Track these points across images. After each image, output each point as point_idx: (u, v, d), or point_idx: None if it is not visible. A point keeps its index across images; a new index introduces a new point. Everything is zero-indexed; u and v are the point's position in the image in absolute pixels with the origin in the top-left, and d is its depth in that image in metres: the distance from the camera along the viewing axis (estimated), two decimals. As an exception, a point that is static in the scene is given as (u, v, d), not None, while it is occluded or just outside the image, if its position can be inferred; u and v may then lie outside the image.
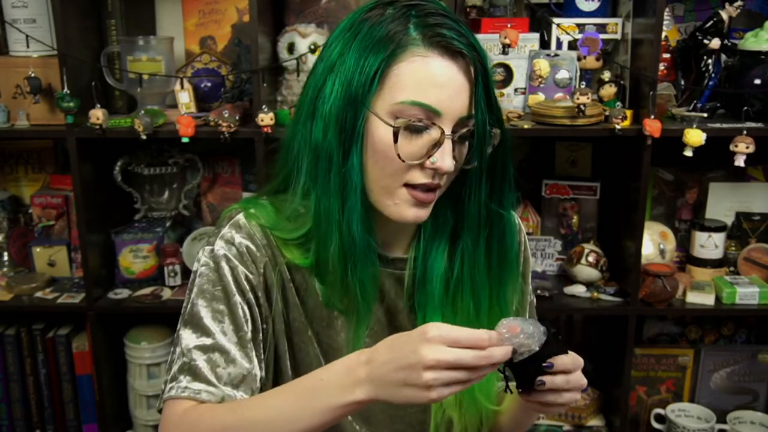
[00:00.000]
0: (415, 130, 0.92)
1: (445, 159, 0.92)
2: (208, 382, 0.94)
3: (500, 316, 1.03)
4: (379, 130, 0.92)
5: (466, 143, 0.96)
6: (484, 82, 0.93)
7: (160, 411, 0.98)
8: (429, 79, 0.90)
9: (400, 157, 0.91)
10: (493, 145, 0.96)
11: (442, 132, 0.91)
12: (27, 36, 1.90)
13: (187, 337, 0.97)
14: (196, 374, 0.95)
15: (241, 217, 1.03)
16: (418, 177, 0.94)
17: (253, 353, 0.99)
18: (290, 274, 1.03)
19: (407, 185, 0.95)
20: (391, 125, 0.91)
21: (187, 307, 1.00)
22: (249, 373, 0.98)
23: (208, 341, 0.96)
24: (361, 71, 0.91)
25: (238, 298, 0.98)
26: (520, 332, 0.83)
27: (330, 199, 0.95)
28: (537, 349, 0.83)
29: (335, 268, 0.97)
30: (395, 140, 0.91)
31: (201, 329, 0.97)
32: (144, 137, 1.85)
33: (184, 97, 1.96)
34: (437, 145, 0.92)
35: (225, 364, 0.96)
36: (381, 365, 0.82)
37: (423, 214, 0.97)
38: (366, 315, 1.00)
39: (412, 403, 0.81)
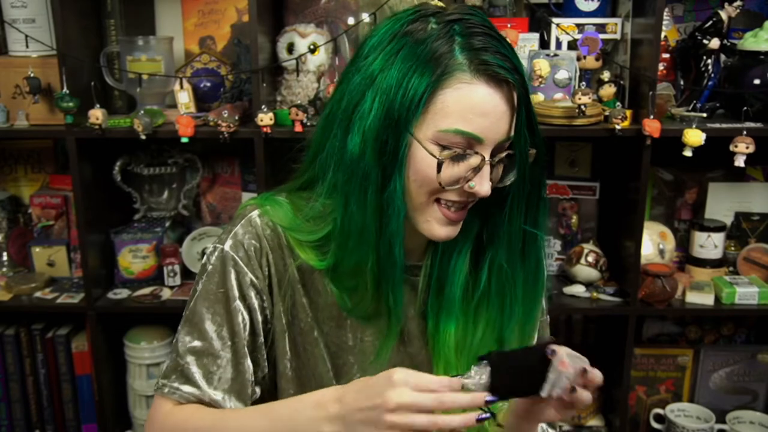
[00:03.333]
0: (458, 158, 0.91)
1: (483, 184, 0.92)
2: (197, 387, 0.98)
3: (530, 332, 1.05)
4: (421, 155, 0.91)
5: (503, 163, 0.96)
6: (526, 106, 0.93)
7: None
8: (474, 107, 0.89)
9: (440, 185, 0.92)
10: (529, 163, 0.96)
11: (483, 159, 0.91)
12: (26, 36, 1.90)
13: (184, 337, 1.01)
14: (187, 378, 0.99)
15: (254, 215, 1.03)
16: (453, 196, 0.94)
17: (247, 360, 1.01)
18: (299, 276, 1.03)
19: (439, 201, 0.95)
20: (435, 157, 0.90)
21: (191, 304, 1.02)
22: (238, 379, 1.00)
23: (203, 345, 0.99)
24: (405, 93, 0.89)
25: (239, 303, 1.00)
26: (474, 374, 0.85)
27: (366, 217, 0.94)
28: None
29: (370, 285, 0.98)
30: (438, 170, 0.90)
31: (198, 331, 1.00)
32: (143, 137, 1.85)
33: (184, 97, 1.96)
34: (476, 170, 0.92)
35: (215, 368, 0.99)
36: (349, 404, 0.85)
37: (454, 231, 0.98)
38: (397, 327, 1.02)
39: None
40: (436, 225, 0.96)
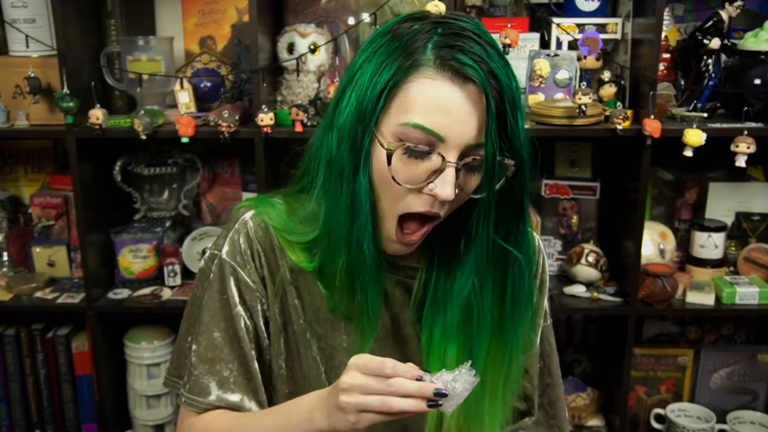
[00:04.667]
0: (415, 154, 0.88)
1: (445, 187, 0.88)
2: (214, 396, 1.01)
3: (510, 355, 1.02)
4: (380, 151, 0.90)
5: (476, 173, 0.92)
6: (499, 112, 0.87)
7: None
8: (435, 103, 0.87)
9: (395, 180, 0.89)
10: (507, 176, 0.90)
11: (443, 159, 0.88)
12: (27, 36, 1.90)
13: (193, 346, 1.03)
14: (202, 388, 1.01)
15: (247, 217, 1.04)
16: (417, 204, 0.91)
17: (254, 363, 1.03)
18: (291, 277, 1.03)
19: (402, 216, 0.93)
20: (384, 148, 0.88)
21: (196, 311, 1.05)
22: (252, 380, 1.03)
23: (213, 352, 1.02)
24: (373, 87, 0.89)
25: (240, 309, 1.02)
26: (441, 376, 0.84)
27: (339, 214, 0.93)
28: (461, 389, 0.83)
29: (342, 282, 0.97)
30: (389, 162, 0.88)
31: (206, 339, 1.02)
32: (144, 137, 1.84)
33: (184, 97, 1.96)
34: (438, 172, 0.88)
35: (228, 373, 1.01)
36: (330, 393, 0.87)
37: (406, 250, 0.97)
38: (372, 329, 1.00)
39: (344, 429, 0.85)
40: (388, 240, 0.96)
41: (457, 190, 0.89)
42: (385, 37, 0.91)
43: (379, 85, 0.89)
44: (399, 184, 0.89)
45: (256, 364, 1.03)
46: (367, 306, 0.97)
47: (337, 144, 0.93)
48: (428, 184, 0.89)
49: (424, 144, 0.88)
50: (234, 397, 1.01)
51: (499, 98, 0.87)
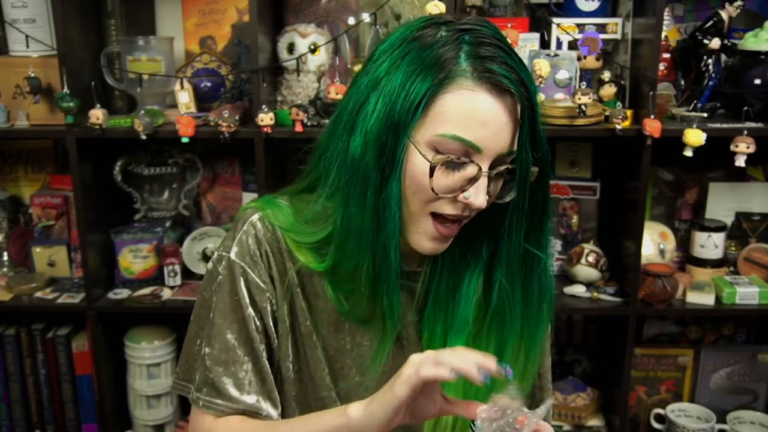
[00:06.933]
0: (453, 165, 0.90)
1: (478, 195, 0.90)
2: (231, 398, 1.01)
3: (535, 355, 1.05)
4: (417, 159, 0.90)
5: (502, 179, 0.94)
6: (531, 121, 0.90)
7: (173, 388, 1.11)
8: (473, 114, 0.88)
9: (433, 191, 0.90)
10: (530, 181, 0.94)
11: (480, 169, 0.90)
12: (27, 36, 1.90)
13: (206, 348, 1.03)
14: (219, 391, 1.01)
15: (255, 218, 1.03)
16: (448, 209, 0.93)
17: (267, 365, 1.03)
18: (299, 280, 1.03)
19: (433, 214, 0.94)
20: (428, 160, 0.89)
21: (204, 314, 1.04)
22: (267, 380, 1.03)
23: (227, 354, 1.01)
24: (406, 96, 0.89)
25: (251, 311, 1.02)
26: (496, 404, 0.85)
27: (364, 219, 0.93)
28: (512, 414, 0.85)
29: (365, 286, 0.98)
30: (431, 175, 0.90)
31: (220, 342, 1.02)
32: (144, 137, 1.85)
33: (184, 97, 1.96)
34: (473, 180, 0.90)
35: (244, 374, 1.01)
36: (379, 391, 0.88)
37: (441, 247, 0.97)
38: (392, 331, 1.02)
39: (389, 401, 0.85)
40: (425, 238, 0.95)
41: (487, 197, 0.92)
42: (412, 43, 0.91)
43: (413, 94, 0.89)
44: (436, 194, 0.91)
45: (268, 365, 1.03)
46: (391, 311, 0.98)
47: (362, 149, 0.92)
48: (462, 192, 0.91)
49: (460, 154, 0.89)
50: (250, 399, 1.02)
51: (530, 107, 0.90)
